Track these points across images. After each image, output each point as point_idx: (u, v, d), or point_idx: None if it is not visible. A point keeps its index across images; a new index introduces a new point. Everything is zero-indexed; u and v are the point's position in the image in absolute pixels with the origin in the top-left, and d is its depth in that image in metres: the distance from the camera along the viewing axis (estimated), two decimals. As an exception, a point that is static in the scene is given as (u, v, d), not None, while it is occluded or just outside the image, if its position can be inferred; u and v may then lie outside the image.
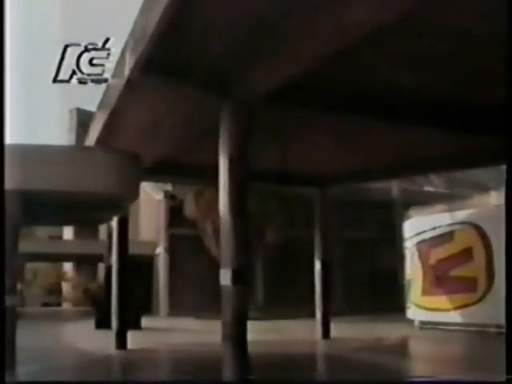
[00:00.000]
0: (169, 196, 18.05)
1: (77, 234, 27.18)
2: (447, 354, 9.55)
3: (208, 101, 6.58)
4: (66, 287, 29.57)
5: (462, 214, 12.60)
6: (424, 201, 15.36)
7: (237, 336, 6.16)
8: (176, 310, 17.65)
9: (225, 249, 6.26)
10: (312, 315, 11.97)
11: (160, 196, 18.35)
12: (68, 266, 30.33)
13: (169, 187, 18.10)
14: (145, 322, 14.63)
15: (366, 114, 7.79)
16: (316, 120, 8.21)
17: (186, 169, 10.94)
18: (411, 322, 13.68)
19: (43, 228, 25.61)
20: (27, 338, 10.16)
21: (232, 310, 6.15)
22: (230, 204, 6.27)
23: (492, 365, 7.03)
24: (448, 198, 15.95)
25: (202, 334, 12.82)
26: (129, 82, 6.21)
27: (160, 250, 18.57)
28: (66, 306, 28.48)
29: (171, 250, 18.32)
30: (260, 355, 9.14)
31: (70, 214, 7.42)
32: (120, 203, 7.26)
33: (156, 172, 10.85)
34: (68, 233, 29.29)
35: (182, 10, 4.84)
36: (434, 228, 13.05)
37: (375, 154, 10.44)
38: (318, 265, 11.89)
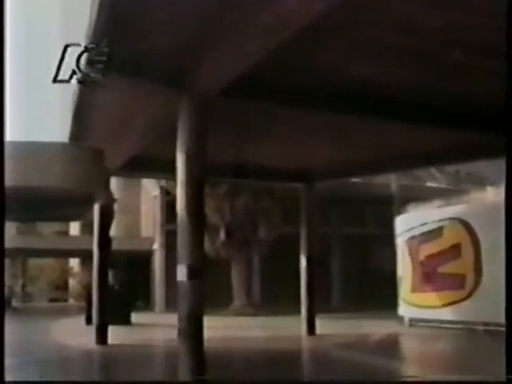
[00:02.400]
0: (164, 192, 18.09)
1: (83, 229, 27.40)
2: (426, 353, 9.46)
3: (168, 98, 6.58)
4: (72, 283, 29.88)
5: (450, 210, 12.45)
6: (425, 197, 15.19)
7: (192, 332, 6.15)
8: (173, 305, 17.67)
9: (181, 244, 6.25)
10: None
11: (156, 192, 18.41)
12: (74, 262, 30.65)
13: (164, 183, 18.12)
14: (139, 317, 14.71)
15: (337, 109, 7.73)
16: (296, 116, 8.18)
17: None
18: (403, 319, 13.57)
19: (47, 224, 25.91)
20: (13, 332, 10.31)
21: (187, 306, 6.14)
22: (186, 200, 6.26)
23: (472, 367, 6.98)
24: (451, 194, 15.78)
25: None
26: (84, 79, 6.23)
27: (156, 246, 18.63)
28: (72, 301, 28.79)
29: (167, 246, 18.37)
30: (237, 351, 9.20)
31: (31, 209, 7.45)
32: (80, 198, 7.27)
33: (146, 167, 10.90)
34: (74, 229, 29.57)
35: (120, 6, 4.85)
36: (423, 224, 12.91)
37: (359, 150, 10.37)
38: (303, 261, 11.85)
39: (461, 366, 7.59)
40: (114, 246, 16.50)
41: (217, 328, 13.31)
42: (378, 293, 17.73)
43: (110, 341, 10.10)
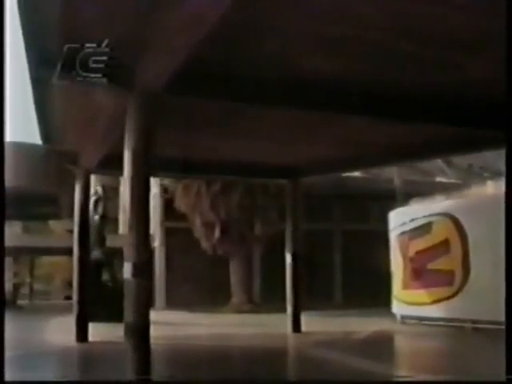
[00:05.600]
0: (163, 189, 18.20)
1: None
2: (404, 353, 9.33)
3: (117, 97, 6.59)
4: (86, 280, 30.23)
5: (439, 206, 12.21)
6: (432, 192, 14.91)
7: (138, 330, 6.17)
8: (173, 303, 17.82)
9: (127, 242, 6.27)
10: (308, 308, 11.87)
11: (155, 190, 18.51)
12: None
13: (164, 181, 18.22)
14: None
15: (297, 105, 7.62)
16: (267, 111, 8.10)
17: (173, 163, 11.00)
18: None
19: (58, 222, 26.28)
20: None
21: (133, 304, 6.17)
22: (132, 198, 6.28)
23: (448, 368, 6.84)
24: (454, 189, 15.49)
25: (182, 327, 12.96)
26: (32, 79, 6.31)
27: (157, 244, 18.77)
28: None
29: (167, 243, 18.51)
30: (203, 348, 9.20)
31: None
32: (39, 197, 7.33)
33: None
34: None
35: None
36: (413, 219, 12.69)
37: (339, 145, 10.25)
38: (288, 258, 11.79)
39: (437, 367, 7.46)
40: (113, 243, 16.71)
41: (202, 325, 13.38)
42: (378, 290, 17.50)
43: (95, 338, 10.17)
